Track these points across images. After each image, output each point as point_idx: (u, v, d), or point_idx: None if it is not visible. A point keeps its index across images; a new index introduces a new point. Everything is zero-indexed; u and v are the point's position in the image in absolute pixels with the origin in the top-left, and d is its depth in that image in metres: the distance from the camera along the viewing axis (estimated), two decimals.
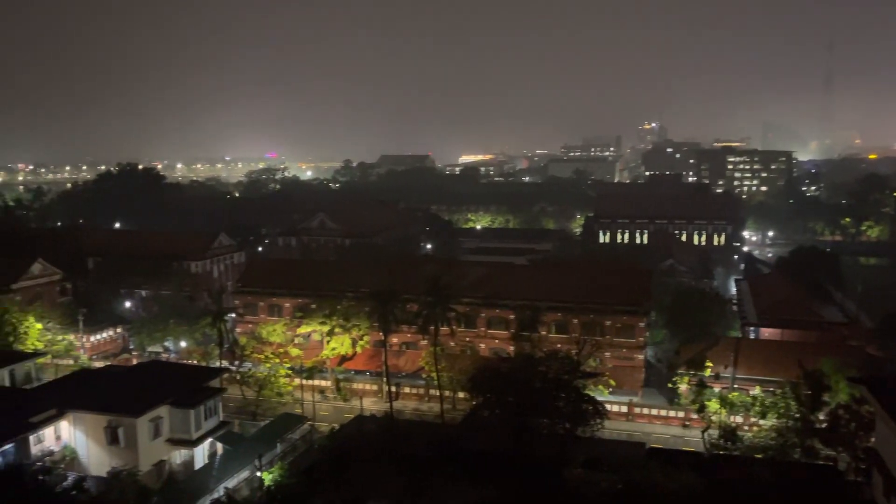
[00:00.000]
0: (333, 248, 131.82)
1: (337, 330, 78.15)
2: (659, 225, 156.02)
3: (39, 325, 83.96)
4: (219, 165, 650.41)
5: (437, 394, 73.14)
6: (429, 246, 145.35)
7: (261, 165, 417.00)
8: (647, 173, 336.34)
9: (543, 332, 78.16)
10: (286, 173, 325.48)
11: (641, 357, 78.97)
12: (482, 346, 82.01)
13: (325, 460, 50.65)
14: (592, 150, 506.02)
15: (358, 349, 79.88)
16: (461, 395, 70.41)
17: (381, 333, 75.50)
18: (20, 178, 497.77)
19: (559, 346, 73.34)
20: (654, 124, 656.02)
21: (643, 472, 42.71)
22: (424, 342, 77.81)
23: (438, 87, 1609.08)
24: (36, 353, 75.03)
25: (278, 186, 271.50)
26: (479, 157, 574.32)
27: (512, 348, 77.90)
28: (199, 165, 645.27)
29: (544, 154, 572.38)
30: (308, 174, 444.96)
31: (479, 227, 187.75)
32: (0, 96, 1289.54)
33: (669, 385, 73.35)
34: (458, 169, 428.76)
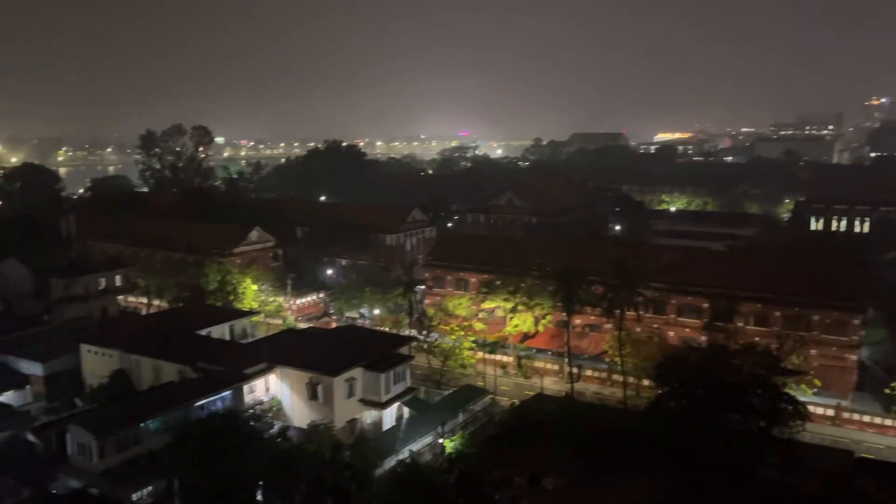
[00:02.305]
0: (520, 226, 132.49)
1: (520, 307, 78.62)
2: (884, 213, 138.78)
3: (255, 287, 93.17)
4: (415, 143, 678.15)
5: (620, 379, 71.26)
6: (618, 227, 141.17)
7: (453, 143, 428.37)
8: (873, 154, 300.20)
9: (740, 324, 73.14)
10: (477, 151, 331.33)
11: (854, 358, 71.25)
12: (671, 333, 78.39)
13: (505, 434, 51.37)
14: (807, 128, 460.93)
15: (540, 328, 79.83)
16: (645, 382, 68.02)
17: (564, 313, 74.84)
18: (242, 154, 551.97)
19: (757, 339, 68.14)
20: (883, 100, 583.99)
21: (850, 481, 38.62)
22: (609, 325, 75.98)
23: (634, 62, 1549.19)
24: (251, 312, 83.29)
25: (469, 164, 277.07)
26: (677, 135, 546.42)
27: (704, 338, 73.75)
28: (396, 143, 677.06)
29: (750, 133, 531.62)
30: (498, 152, 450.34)
31: (673, 209, 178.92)
32: (229, 80, 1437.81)
33: (887, 391, 65.57)
34: (653, 147, 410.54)
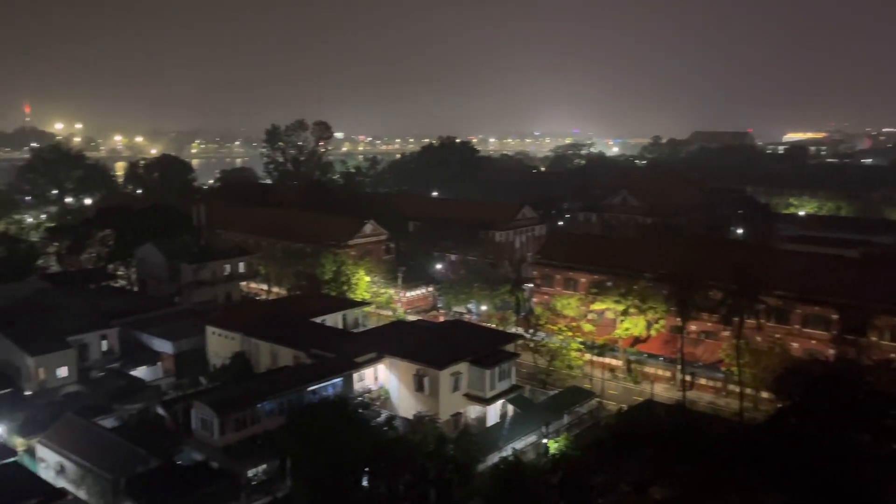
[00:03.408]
0: (634, 226, 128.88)
1: (632, 310, 76.52)
2: None
3: (367, 278, 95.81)
4: (527, 140, 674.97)
5: (737, 390, 67.89)
6: (740, 230, 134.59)
7: (567, 140, 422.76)
8: None
9: (874, 338, 67.85)
10: (592, 149, 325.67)
11: None
12: (794, 344, 73.80)
13: (611, 439, 50.21)
14: None
15: (652, 332, 77.37)
16: (764, 394, 64.53)
17: (678, 319, 72.16)
18: (360, 148, 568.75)
19: (894, 355, 63.08)
20: None
21: None
22: (727, 333, 72.59)
23: (763, 56, 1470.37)
24: (363, 302, 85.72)
25: (583, 162, 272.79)
26: (809, 135, 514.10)
27: (831, 352, 69.04)
28: (509, 140, 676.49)
29: (893, 133, 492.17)
30: (614, 150, 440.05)
31: (801, 213, 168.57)
32: (350, 77, 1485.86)
33: None
34: (781, 147, 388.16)
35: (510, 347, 66.79)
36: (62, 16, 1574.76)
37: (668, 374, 76.59)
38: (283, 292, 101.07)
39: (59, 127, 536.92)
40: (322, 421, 46.06)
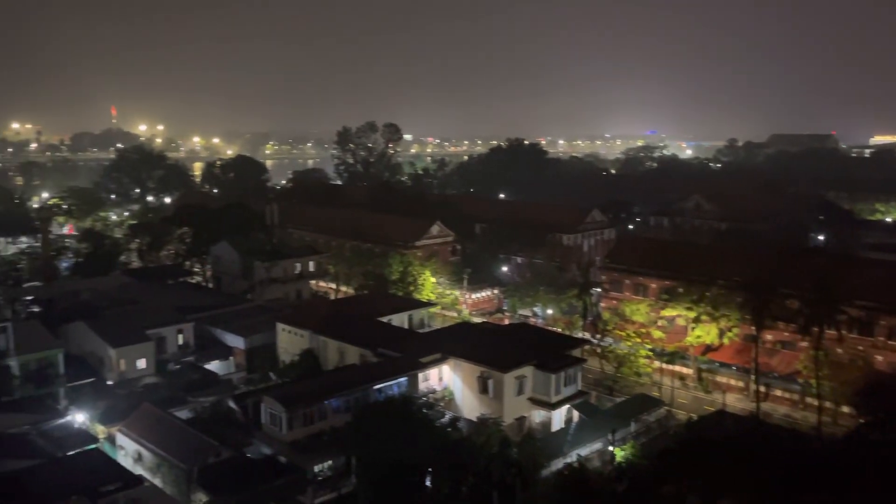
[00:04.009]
0: (707, 231, 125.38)
1: (704, 317, 74.33)
2: None
3: (433, 279, 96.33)
4: (598, 142, 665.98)
5: (815, 403, 65.06)
6: (820, 237, 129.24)
7: (639, 143, 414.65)
8: None
9: None
10: (664, 151, 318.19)
11: None
12: (878, 357, 70.21)
13: (680, 449, 48.86)
14: None
15: (725, 340, 74.95)
16: (845, 409, 61.67)
17: (753, 327, 69.72)
18: (428, 150, 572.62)
19: None
20: None
21: None
22: (805, 344, 69.68)
23: (848, 55, 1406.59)
24: (429, 303, 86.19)
25: (655, 164, 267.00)
26: None
27: None
28: (579, 142, 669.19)
29: None
30: (688, 153, 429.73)
31: (889, 219, 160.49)
32: (420, 79, 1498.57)
33: None
34: (867, 151, 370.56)
35: (576, 352, 65.96)
36: (146, 23, 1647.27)
37: (741, 384, 74.07)
38: (352, 291, 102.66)
39: (142, 128, 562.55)
40: (387, 420, 46.52)
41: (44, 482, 40.80)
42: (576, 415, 61.83)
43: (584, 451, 55.01)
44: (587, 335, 77.87)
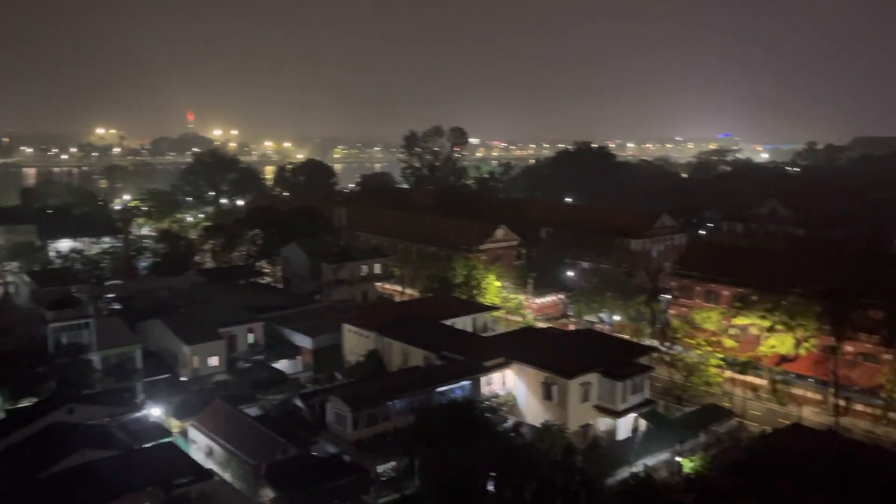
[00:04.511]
0: (784, 238, 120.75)
1: (778, 327, 71.59)
2: None
3: (497, 283, 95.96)
4: (668, 145, 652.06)
5: None
6: None
7: (712, 146, 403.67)
8: None
9: None
10: (739, 155, 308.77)
11: None
12: None
13: (752, 462, 47.12)
14: None
15: (801, 351, 71.97)
16: None
17: (832, 338, 66.74)
18: (494, 154, 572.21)
19: None
20: None
21: None
22: (888, 356, 66.26)
23: None
24: (493, 307, 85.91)
25: (728, 168, 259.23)
26: None
27: None
28: (649, 145, 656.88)
29: None
30: (763, 156, 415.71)
31: None
32: (487, 83, 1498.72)
33: None
34: None
35: (644, 360, 64.52)
36: (222, 33, 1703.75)
37: (818, 397, 71.00)
38: (416, 294, 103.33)
39: (217, 133, 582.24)
40: (450, 422, 46.53)
41: (121, 472, 42.44)
42: (643, 424, 60.48)
43: (651, 460, 53.70)
44: (655, 343, 76.09)
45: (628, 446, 56.14)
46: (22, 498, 40.59)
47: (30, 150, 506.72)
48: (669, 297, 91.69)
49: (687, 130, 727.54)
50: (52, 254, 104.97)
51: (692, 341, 74.52)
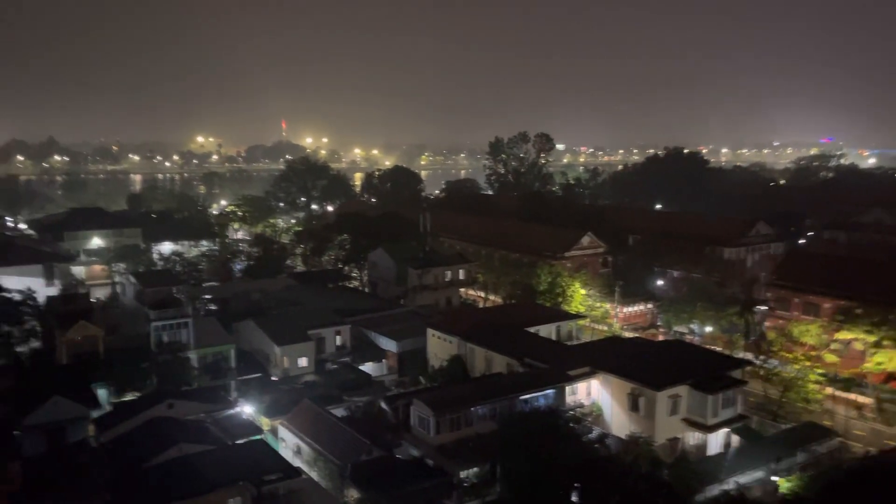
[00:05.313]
0: (890, 248, 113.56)
1: (885, 342, 67.41)
2: None
3: (583, 291, 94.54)
4: (765, 151, 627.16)
5: None
6: None
7: (812, 151, 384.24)
8: None
9: None
10: (842, 160, 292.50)
11: None
12: None
13: (854, 484, 44.44)
14: None
15: None
16: None
17: None
18: (581, 160, 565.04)
19: None
20: None
21: None
22: None
23: None
24: (578, 315, 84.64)
25: (831, 174, 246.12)
26: None
27: None
28: (744, 150, 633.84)
29: None
30: (870, 162, 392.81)
31: None
32: (574, 87, 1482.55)
33: None
34: None
35: (737, 374, 62.03)
36: (314, 45, 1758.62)
37: None
38: (500, 300, 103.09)
39: (308, 141, 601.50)
40: (533, 430, 46.15)
41: (215, 467, 44.22)
42: (735, 439, 58.14)
43: (744, 478, 51.52)
44: (750, 356, 73.02)
45: (719, 462, 54.12)
46: (127, 486, 42.98)
47: (136, 158, 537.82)
48: (765, 308, 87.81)
49: (786, 135, 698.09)
50: (154, 256, 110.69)
51: (789, 355, 71.10)
